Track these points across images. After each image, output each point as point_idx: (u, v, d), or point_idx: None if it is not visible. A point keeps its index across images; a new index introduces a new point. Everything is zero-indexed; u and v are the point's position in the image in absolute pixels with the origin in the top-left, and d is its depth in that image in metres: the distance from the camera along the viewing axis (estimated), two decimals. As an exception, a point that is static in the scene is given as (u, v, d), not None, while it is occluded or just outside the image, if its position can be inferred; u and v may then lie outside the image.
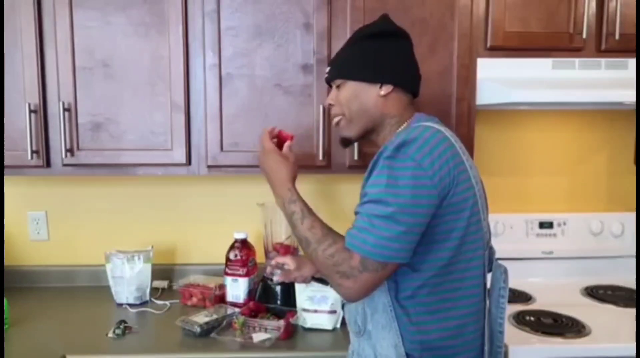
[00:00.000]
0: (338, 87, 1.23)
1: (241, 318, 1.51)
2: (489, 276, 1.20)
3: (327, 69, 1.26)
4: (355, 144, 1.60)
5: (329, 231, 1.11)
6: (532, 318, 1.60)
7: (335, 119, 1.25)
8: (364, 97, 1.18)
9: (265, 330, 1.48)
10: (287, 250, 1.73)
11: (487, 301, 1.18)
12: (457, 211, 1.05)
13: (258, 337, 1.45)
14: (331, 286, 1.11)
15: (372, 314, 1.13)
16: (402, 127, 1.18)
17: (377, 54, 1.18)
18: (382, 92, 1.17)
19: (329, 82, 1.26)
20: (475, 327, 1.13)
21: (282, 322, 1.50)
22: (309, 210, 1.16)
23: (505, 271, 1.19)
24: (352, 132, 1.23)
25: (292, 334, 1.50)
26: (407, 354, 1.09)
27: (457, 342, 1.10)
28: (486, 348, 1.14)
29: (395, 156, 1.02)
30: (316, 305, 1.54)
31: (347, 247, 1.04)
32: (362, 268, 1.02)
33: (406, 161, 1.01)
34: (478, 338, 1.14)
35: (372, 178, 1.06)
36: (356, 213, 1.07)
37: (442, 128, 1.11)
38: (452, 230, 1.05)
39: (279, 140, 1.33)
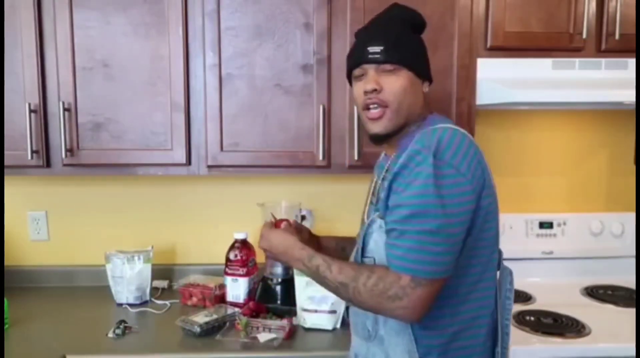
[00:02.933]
0: (388, 72, 1.08)
1: (244, 319, 1.51)
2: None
3: (379, 48, 1.07)
4: (356, 143, 1.60)
5: (360, 265, 1.06)
6: (532, 318, 1.60)
7: (376, 111, 1.09)
8: (415, 91, 1.10)
9: (269, 330, 1.48)
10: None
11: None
12: (489, 218, 1.03)
13: (264, 337, 1.45)
14: (386, 317, 1.06)
15: (385, 320, 1.09)
16: (414, 127, 1.11)
17: (424, 49, 1.13)
18: (426, 89, 1.12)
19: (379, 62, 1.08)
20: (487, 329, 1.12)
21: (285, 322, 1.50)
22: (331, 257, 1.08)
23: (511, 273, 1.18)
24: (390, 126, 1.10)
25: (293, 334, 1.50)
26: None
27: (471, 343, 1.09)
28: (498, 349, 1.13)
29: (433, 163, 0.96)
30: (316, 305, 1.54)
31: (395, 271, 0.99)
32: (415, 285, 0.97)
33: (444, 168, 0.96)
34: (488, 340, 1.13)
35: (403, 185, 1.00)
36: (392, 230, 1.01)
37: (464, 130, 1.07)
38: (483, 238, 1.04)
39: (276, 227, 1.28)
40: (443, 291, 1.02)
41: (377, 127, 1.10)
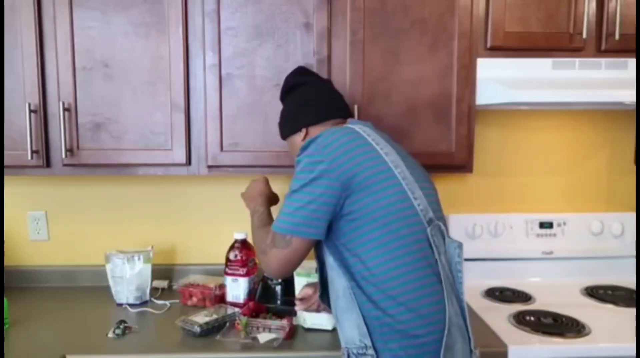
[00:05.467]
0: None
1: (244, 319, 1.51)
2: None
3: None
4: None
5: (269, 227, 1.28)
6: (532, 318, 1.60)
7: None
8: (295, 145, 1.38)
9: (270, 330, 1.49)
10: None
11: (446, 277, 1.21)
12: (374, 192, 1.15)
13: (264, 337, 1.45)
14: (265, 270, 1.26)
15: (336, 300, 1.22)
16: None
17: (289, 108, 1.44)
18: (301, 137, 1.38)
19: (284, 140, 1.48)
20: (430, 299, 1.15)
21: (285, 322, 1.50)
22: (269, 213, 1.42)
23: (460, 246, 1.24)
24: None
25: (293, 334, 1.50)
26: (369, 332, 1.14)
27: (413, 316, 1.13)
28: (446, 321, 1.14)
29: (302, 152, 1.21)
30: (316, 305, 1.54)
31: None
32: (272, 245, 1.20)
33: (309, 151, 1.20)
34: (436, 312, 1.15)
35: None
36: None
37: (358, 127, 1.25)
38: (373, 210, 1.15)
39: None
40: (375, 269, 1.14)
41: None
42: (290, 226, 1.17)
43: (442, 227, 1.24)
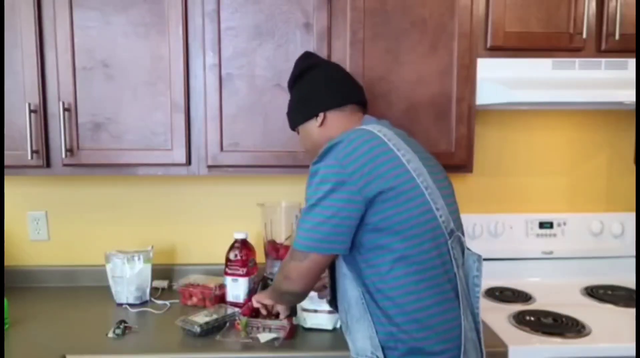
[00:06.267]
0: (298, 133, 1.39)
1: (244, 319, 1.51)
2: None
3: None
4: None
5: None
6: (532, 318, 1.60)
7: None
8: (309, 134, 1.33)
9: (270, 330, 1.48)
10: (287, 250, 1.73)
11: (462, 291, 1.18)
12: (398, 204, 1.09)
13: (264, 337, 1.45)
14: (286, 291, 1.23)
15: (349, 309, 1.19)
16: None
17: (301, 94, 1.34)
18: (318, 123, 1.29)
19: (294, 131, 1.42)
20: (446, 317, 1.12)
21: (285, 322, 1.50)
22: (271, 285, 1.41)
23: (479, 259, 1.20)
24: (313, 159, 1.30)
25: (293, 334, 1.50)
26: (381, 346, 1.12)
27: (429, 333, 1.11)
28: (462, 339, 1.13)
29: (320, 160, 1.14)
30: (316, 305, 1.53)
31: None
32: (290, 259, 1.16)
33: (328, 161, 1.12)
34: (452, 328, 1.13)
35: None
36: None
37: (378, 129, 1.17)
38: (398, 222, 1.09)
39: None
40: (392, 282, 1.10)
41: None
42: (313, 243, 1.11)
43: (462, 238, 1.21)
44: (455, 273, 1.15)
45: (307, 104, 1.31)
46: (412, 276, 1.10)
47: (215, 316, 1.55)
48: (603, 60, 1.68)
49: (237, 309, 1.61)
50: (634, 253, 1.98)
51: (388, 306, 1.11)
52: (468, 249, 1.21)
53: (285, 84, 1.61)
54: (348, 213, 1.09)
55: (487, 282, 1.91)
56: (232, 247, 1.74)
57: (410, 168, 1.13)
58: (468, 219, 1.95)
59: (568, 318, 1.60)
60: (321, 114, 1.28)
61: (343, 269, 1.18)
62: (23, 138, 1.58)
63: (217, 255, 1.81)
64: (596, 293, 1.84)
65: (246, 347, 1.42)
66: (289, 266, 1.16)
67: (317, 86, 1.31)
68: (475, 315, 1.20)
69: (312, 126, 1.31)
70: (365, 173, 1.09)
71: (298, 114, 1.34)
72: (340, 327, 1.53)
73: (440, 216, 1.14)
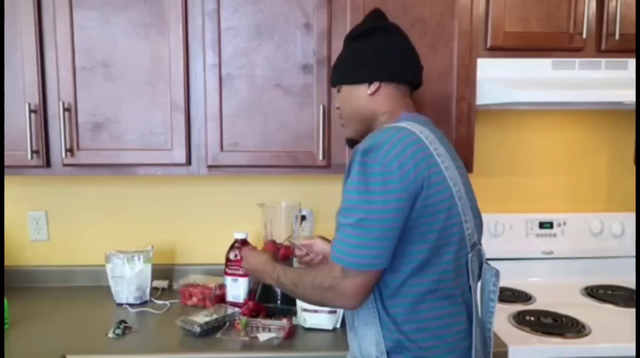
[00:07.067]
0: (339, 91, 1.27)
1: (244, 319, 1.51)
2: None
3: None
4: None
5: (306, 268, 1.21)
6: (532, 318, 1.60)
7: (341, 121, 1.31)
8: (354, 98, 1.21)
9: (269, 330, 1.49)
10: (287, 250, 1.73)
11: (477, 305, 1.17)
12: (432, 213, 1.05)
13: (264, 336, 1.45)
14: (331, 306, 1.17)
15: (358, 311, 1.15)
16: (379, 128, 1.17)
17: (362, 53, 1.20)
18: (369, 91, 1.18)
19: (334, 87, 1.31)
20: (457, 328, 1.11)
21: (285, 322, 1.50)
22: (290, 267, 1.30)
23: (497, 274, 1.17)
24: (351, 133, 1.27)
25: (293, 334, 1.50)
26: (387, 352, 1.10)
27: (437, 343, 1.09)
28: (473, 352, 1.12)
29: (364, 161, 1.04)
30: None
31: (330, 261, 1.08)
32: (344, 275, 1.04)
33: (374, 166, 1.02)
34: (462, 340, 1.12)
35: (347, 182, 1.07)
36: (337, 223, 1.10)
37: (420, 129, 1.10)
38: (427, 232, 1.05)
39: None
40: (408, 289, 1.07)
41: (345, 133, 1.31)
42: (368, 260, 1.03)
43: (482, 251, 1.18)
44: (470, 285, 1.14)
45: (365, 66, 1.18)
46: (429, 286, 1.07)
47: (215, 316, 1.55)
48: (603, 60, 1.68)
49: (237, 309, 1.62)
50: (634, 253, 1.98)
51: (398, 313, 1.09)
52: (487, 263, 1.19)
53: (285, 84, 1.61)
54: (397, 223, 1.03)
55: (487, 282, 1.91)
56: (232, 247, 1.74)
57: (447, 176, 1.08)
58: (468, 219, 1.95)
59: (568, 318, 1.60)
60: (376, 83, 1.17)
61: None
62: (23, 138, 1.58)
63: (217, 255, 1.80)
64: (596, 293, 1.84)
65: (246, 347, 1.43)
66: (343, 285, 1.05)
67: (383, 52, 1.18)
68: (486, 330, 1.18)
69: (361, 91, 1.19)
70: (412, 179, 1.02)
71: (351, 74, 1.21)
72: (341, 326, 1.54)
73: (467, 229, 1.11)
